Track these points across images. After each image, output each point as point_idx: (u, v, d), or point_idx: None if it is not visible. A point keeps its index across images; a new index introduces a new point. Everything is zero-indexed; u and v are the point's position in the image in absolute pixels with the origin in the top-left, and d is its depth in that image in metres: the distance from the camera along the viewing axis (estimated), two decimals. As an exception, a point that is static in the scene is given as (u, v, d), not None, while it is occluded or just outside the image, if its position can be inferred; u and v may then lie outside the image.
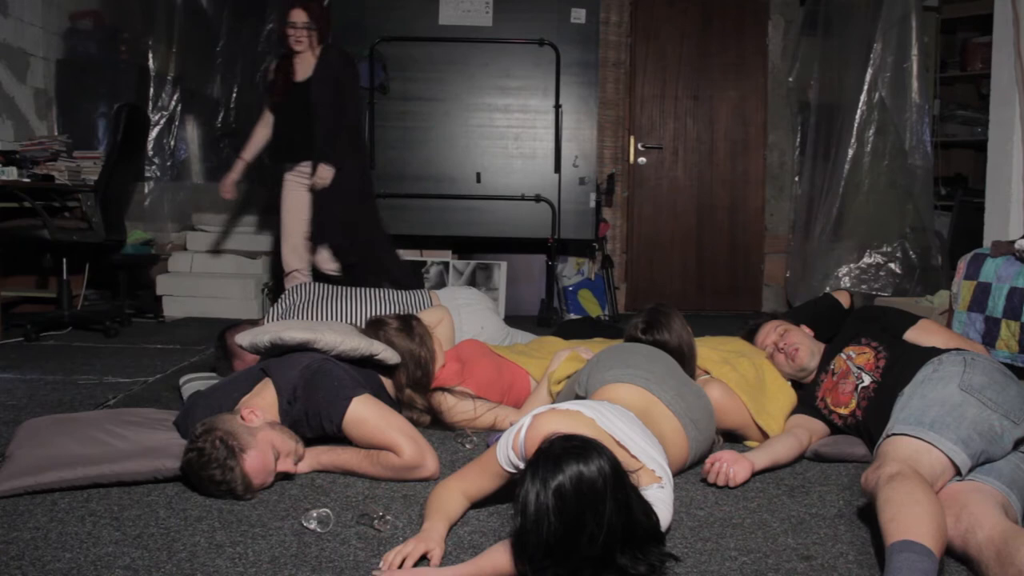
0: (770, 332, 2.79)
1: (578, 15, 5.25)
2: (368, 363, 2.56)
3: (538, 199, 5.28)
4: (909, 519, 1.54)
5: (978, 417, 1.85)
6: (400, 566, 1.65)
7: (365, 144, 4.45)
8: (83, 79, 5.56)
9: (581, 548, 1.44)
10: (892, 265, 5.38)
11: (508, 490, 1.74)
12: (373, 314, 3.28)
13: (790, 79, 5.91)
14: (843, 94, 5.52)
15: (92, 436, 2.30)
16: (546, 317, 5.26)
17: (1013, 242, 3.40)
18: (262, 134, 4.34)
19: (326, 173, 4.07)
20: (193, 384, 3.10)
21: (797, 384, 2.68)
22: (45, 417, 2.51)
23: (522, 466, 1.69)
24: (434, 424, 2.74)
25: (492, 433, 2.61)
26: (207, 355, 3.92)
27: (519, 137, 5.32)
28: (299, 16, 4.05)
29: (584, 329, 3.70)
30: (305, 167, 4.18)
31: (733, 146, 6.01)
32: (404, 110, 5.28)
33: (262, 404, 2.25)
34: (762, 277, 6.09)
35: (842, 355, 2.48)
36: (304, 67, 4.15)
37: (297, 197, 4.22)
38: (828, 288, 5.23)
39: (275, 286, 5.32)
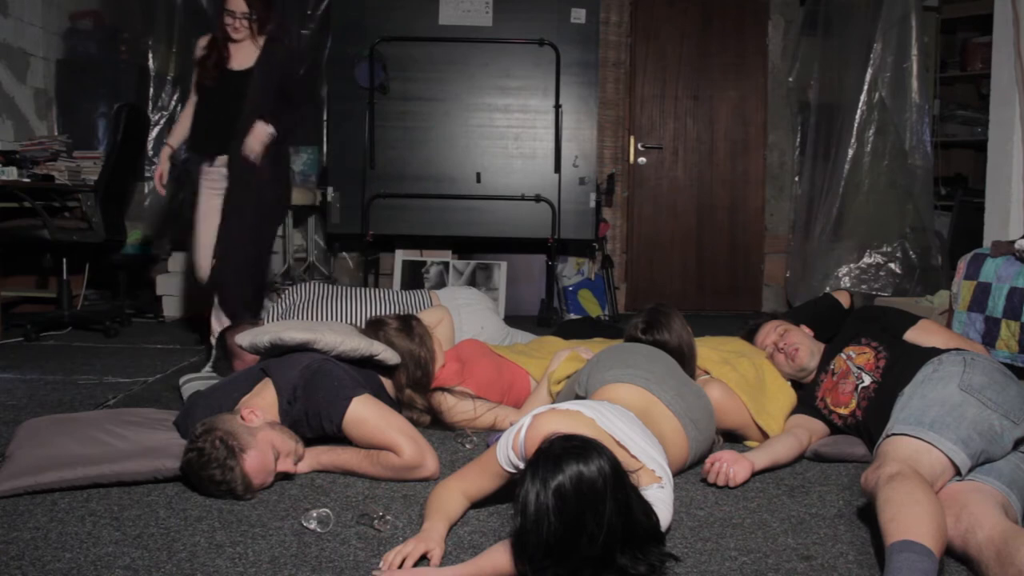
0: (770, 332, 2.79)
1: (578, 15, 5.25)
2: (368, 363, 2.56)
3: (538, 199, 5.28)
4: (909, 519, 1.55)
5: (978, 417, 1.85)
6: (400, 566, 1.65)
7: (289, 163, 3.97)
8: (83, 79, 5.56)
9: (581, 548, 1.44)
10: (892, 265, 5.38)
11: (508, 490, 1.74)
12: (373, 314, 3.29)
13: (790, 79, 5.91)
14: (843, 94, 5.52)
15: (92, 436, 2.30)
16: (546, 317, 5.26)
17: (1013, 242, 3.40)
18: (189, 121, 3.82)
19: (263, 132, 3.56)
20: (193, 384, 3.11)
21: (797, 384, 2.68)
22: (45, 417, 2.51)
23: (522, 466, 1.69)
24: (434, 424, 2.74)
25: (492, 433, 2.61)
26: (207, 355, 3.92)
27: (519, 137, 5.32)
28: (238, 5, 3.63)
29: (584, 329, 3.70)
30: (217, 173, 3.67)
31: (733, 146, 6.01)
32: (404, 110, 5.28)
33: (262, 404, 2.26)
34: (762, 277, 6.09)
35: (842, 355, 2.48)
36: (242, 56, 3.69)
37: (212, 206, 3.68)
38: (828, 288, 5.23)
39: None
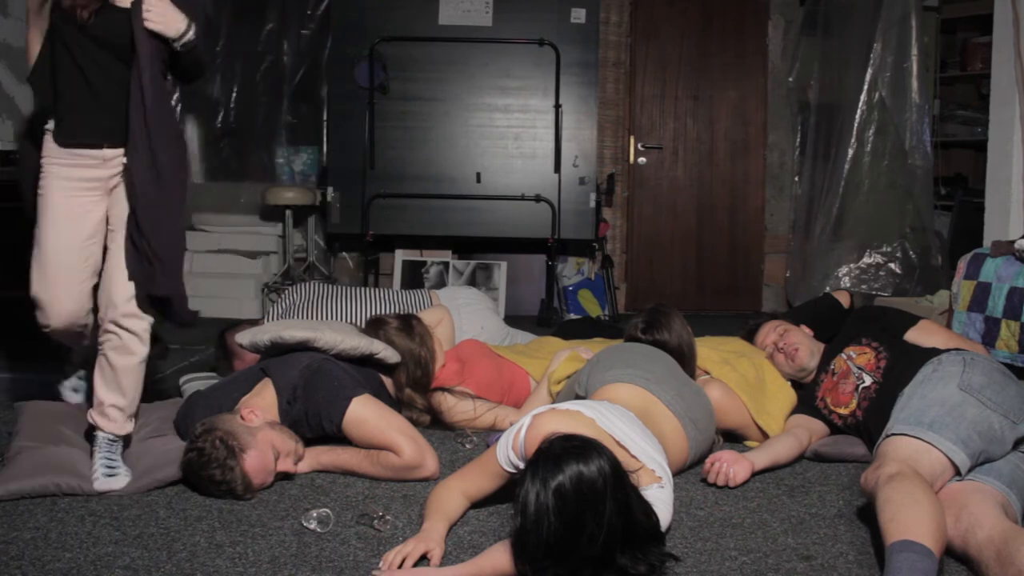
0: (770, 332, 2.79)
1: (578, 15, 5.25)
2: (368, 362, 2.56)
3: (538, 199, 5.28)
4: (909, 519, 1.55)
5: (978, 417, 1.85)
6: (400, 566, 1.65)
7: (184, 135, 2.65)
8: (83, 79, 5.55)
9: (581, 548, 1.44)
10: (892, 265, 5.38)
11: (508, 490, 1.75)
12: (373, 314, 3.29)
13: (790, 79, 5.90)
14: (843, 94, 5.52)
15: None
16: (546, 317, 5.25)
17: (1013, 242, 3.40)
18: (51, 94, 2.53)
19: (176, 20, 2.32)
20: (193, 384, 3.10)
21: (797, 384, 2.68)
22: (45, 402, 2.53)
23: (522, 466, 1.69)
24: (434, 424, 2.74)
25: (492, 433, 2.61)
26: (207, 355, 3.92)
27: (519, 137, 5.31)
28: None
29: (584, 329, 3.70)
30: (92, 157, 2.38)
31: (733, 146, 6.00)
32: (404, 110, 5.27)
33: (262, 404, 2.26)
34: (762, 277, 6.08)
35: (842, 355, 2.48)
36: None
37: (73, 207, 2.40)
38: (828, 288, 5.22)
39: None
